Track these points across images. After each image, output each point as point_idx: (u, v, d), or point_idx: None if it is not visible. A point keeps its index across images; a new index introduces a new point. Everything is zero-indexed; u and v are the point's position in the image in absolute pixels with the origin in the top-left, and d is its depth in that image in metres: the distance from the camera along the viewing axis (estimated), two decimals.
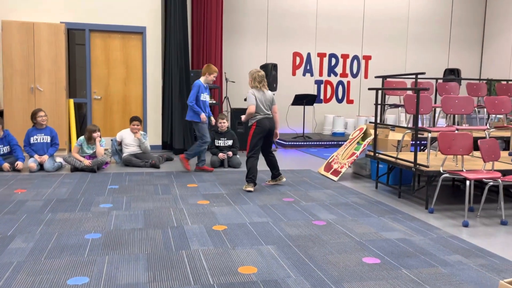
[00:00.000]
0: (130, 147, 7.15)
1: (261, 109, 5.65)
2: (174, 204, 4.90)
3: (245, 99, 5.93)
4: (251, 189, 5.55)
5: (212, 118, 6.89)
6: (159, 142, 8.73)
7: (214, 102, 8.98)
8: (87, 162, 6.56)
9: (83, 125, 8.73)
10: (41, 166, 6.58)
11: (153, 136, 8.66)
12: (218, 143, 7.24)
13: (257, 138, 5.63)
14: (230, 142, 7.29)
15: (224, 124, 7.24)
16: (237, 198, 5.22)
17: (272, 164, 5.90)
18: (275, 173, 5.93)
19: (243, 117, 5.85)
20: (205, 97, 6.62)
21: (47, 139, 6.71)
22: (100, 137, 6.87)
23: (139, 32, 8.52)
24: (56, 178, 6.10)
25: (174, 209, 4.69)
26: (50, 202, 4.86)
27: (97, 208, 4.66)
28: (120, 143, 7.21)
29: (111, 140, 7.34)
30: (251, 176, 5.59)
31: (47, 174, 6.35)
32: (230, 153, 7.18)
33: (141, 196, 5.22)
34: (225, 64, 10.15)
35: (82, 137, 6.84)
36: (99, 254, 3.41)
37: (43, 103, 7.91)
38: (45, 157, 6.56)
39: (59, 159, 6.83)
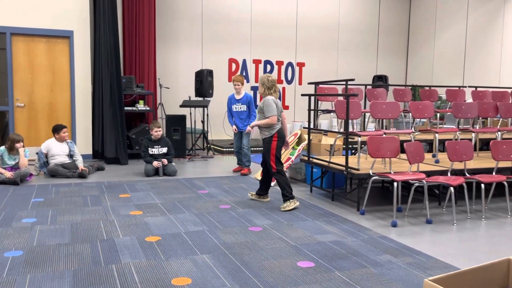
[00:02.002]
0: (58, 157, 6.77)
1: (278, 118, 5.13)
2: (104, 216, 4.68)
3: (260, 107, 5.17)
4: (298, 203, 5.12)
5: (248, 127, 6.46)
6: (89, 151, 8.35)
7: (148, 108, 8.76)
8: (8, 174, 6.12)
9: (4, 135, 8.15)
10: None
11: (83, 144, 8.27)
12: (152, 151, 7.04)
13: (280, 150, 5.15)
14: (164, 150, 7.12)
15: (160, 132, 7.06)
16: (172, 207, 5.09)
17: (268, 180, 5.39)
18: (264, 191, 5.43)
19: (255, 123, 5.16)
20: (236, 107, 7.09)
21: None
22: (23, 147, 6.44)
23: (66, 36, 8.12)
24: None
25: (104, 221, 4.47)
26: None
27: (19, 223, 4.34)
28: (47, 155, 6.79)
29: (37, 153, 6.87)
30: (291, 192, 5.08)
31: None
32: (165, 161, 7.01)
33: (68, 208, 4.94)
34: (159, 69, 9.95)
35: (2, 147, 6.38)
36: (20, 273, 3.17)
37: None
38: None
39: None
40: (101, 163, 7.87)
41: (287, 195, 5.05)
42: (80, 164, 6.79)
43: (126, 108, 8.41)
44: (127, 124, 8.67)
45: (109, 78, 8.00)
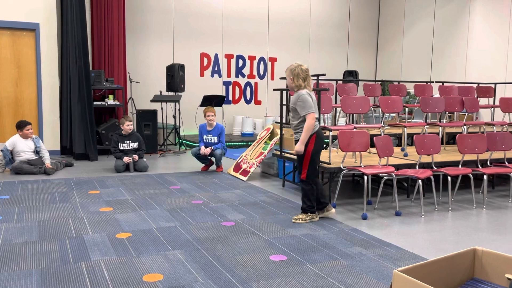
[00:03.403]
0: (24, 154, 6.57)
1: (316, 116, 4.31)
2: (73, 213, 4.58)
3: (292, 106, 4.30)
4: (316, 218, 4.45)
5: (207, 149, 6.89)
6: (57, 147, 8.14)
7: (118, 103, 8.60)
8: None
9: None
10: None
11: (51, 140, 8.05)
12: (122, 146, 6.92)
13: (318, 155, 4.32)
14: (135, 145, 7.01)
15: (131, 126, 6.95)
16: (143, 203, 5.02)
17: (320, 192, 4.52)
18: (324, 202, 4.55)
19: (301, 141, 4.16)
20: (207, 138, 7.04)
21: None
22: None
23: (32, 29, 7.87)
24: None
25: (73, 218, 4.38)
26: None
27: None
28: (12, 151, 6.57)
29: (1, 150, 6.64)
30: (312, 206, 4.39)
31: None
32: (136, 156, 6.90)
33: (35, 206, 4.81)
34: (129, 64, 9.77)
35: None
36: None
37: None
38: None
39: None
40: (70, 159, 7.69)
41: (305, 208, 4.40)
42: (47, 161, 6.62)
43: (95, 103, 8.23)
44: (97, 119, 8.49)
45: (77, 72, 7.81)
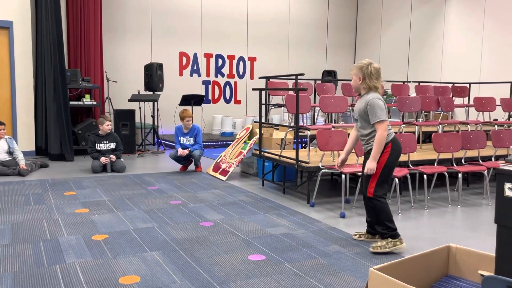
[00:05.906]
0: None
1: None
2: (48, 214, 4.49)
3: (360, 111, 3.61)
4: (403, 244, 3.60)
5: (185, 151, 6.84)
6: (32, 147, 7.97)
7: (95, 103, 8.47)
8: None
9: None
10: None
11: (25, 141, 7.87)
12: (99, 146, 6.82)
13: (392, 168, 3.57)
14: (113, 145, 6.91)
15: (110, 126, 6.87)
16: (120, 204, 4.96)
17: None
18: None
19: (373, 156, 3.47)
20: (184, 140, 6.99)
21: None
22: None
23: (5, 27, 7.68)
24: None
25: (48, 220, 4.29)
26: None
27: None
28: None
29: None
30: (393, 228, 3.60)
31: None
32: (113, 157, 6.81)
33: (8, 208, 4.69)
34: (106, 63, 9.63)
35: None
36: None
37: None
38: None
39: None
40: (45, 160, 7.53)
41: (385, 232, 3.61)
42: (22, 162, 6.47)
43: (71, 102, 8.09)
44: (73, 119, 8.35)
45: (52, 71, 7.65)
